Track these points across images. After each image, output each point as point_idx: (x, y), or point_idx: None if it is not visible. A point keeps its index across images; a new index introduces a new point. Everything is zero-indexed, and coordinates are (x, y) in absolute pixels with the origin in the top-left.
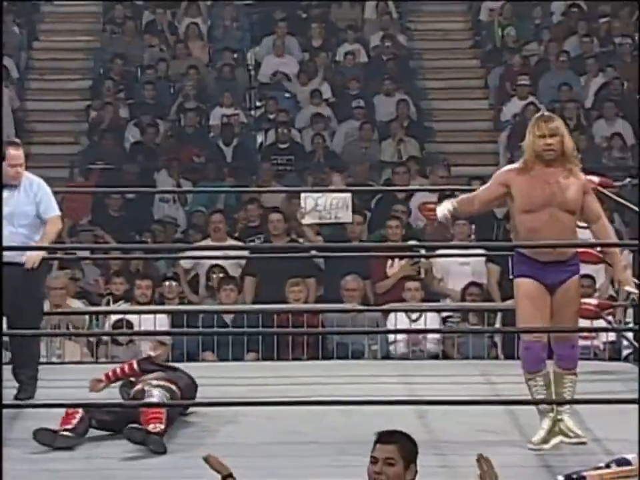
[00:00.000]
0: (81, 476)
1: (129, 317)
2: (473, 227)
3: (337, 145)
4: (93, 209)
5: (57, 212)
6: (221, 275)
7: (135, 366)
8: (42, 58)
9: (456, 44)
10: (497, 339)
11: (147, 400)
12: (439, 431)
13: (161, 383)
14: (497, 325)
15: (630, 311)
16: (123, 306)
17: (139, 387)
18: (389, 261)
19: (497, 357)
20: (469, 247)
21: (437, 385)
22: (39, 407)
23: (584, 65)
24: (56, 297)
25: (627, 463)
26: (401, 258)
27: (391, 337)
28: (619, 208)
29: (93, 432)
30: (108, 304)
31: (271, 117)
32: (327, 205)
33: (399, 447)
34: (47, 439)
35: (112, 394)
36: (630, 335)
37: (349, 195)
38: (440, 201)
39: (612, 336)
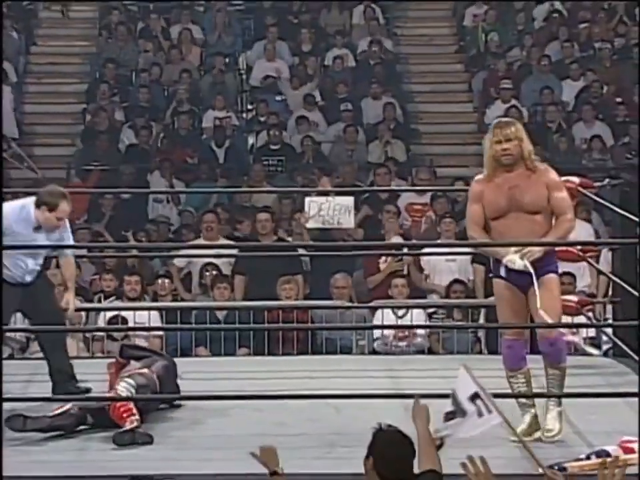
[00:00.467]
0: (73, 467)
1: (122, 313)
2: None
3: (325, 147)
4: (89, 209)
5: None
6: (214, 273)
7: (118, 358)
8: (39, 62)
9: (441, 49)
10: (481, 334)
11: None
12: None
13: (133, 372)
14: (481, 321)
15: (609, 307)
16: (117, 303)
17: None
18: (382, 257)
19: (480, 352)
20: (454, 246)
21: (423, 379)
22: (32, 401)
23: (565, 69)
24: None
25: (607, 454)
26: (390, 255)
27: (378, 333)
28: (598, 208)
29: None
30: (100, 301)
31: (262, 119)
32: (329, 210)
33: None
34: (18, 425)
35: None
36: (609, 330)
37: (351, 200)
38: (431, 201)
39: (592, 331)
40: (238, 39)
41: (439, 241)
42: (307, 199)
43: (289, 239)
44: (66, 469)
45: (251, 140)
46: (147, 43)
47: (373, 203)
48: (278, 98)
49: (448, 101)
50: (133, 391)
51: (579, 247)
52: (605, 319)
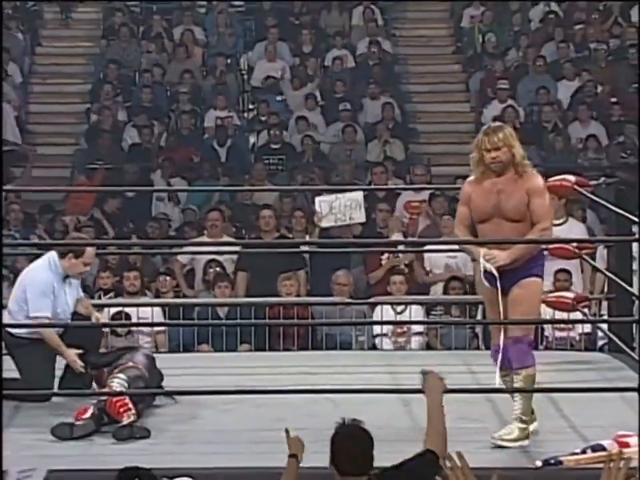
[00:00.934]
0: (77, 461)
1: (125, 309)
2: None
3: (325, 146)
4: (94, 207)
5: None
6: (217, 270)
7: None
8: (44, 63)
9: (438, 50)
10: (478, 330)
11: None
12: (422, 419)
13: (122, 367)
14: (479, 317)
15: (605, 304)
16: (117, 299)
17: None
18: (384, 254)
19: (478, 348)
20: (450, 243)
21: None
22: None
23: (560, 69)
24: None
25: (602, 448)
26: (391, 253)
27: (377, 330)
28: (594, 206)
29: None
30: (99, 298)
31: (263, 119)
32: (341, 207)
33: None
34: (65, 432)
35: None
36: (604, 326)
37: (361, 195)
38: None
39: (587, 327)
40: (239, 40)
41: (432, 239)
42: (317, 199)
43: (289, 235)
44: (70, 464)
45: (252, 139)
46: (150, 44)
47: (371, 201)
48: (278, 98)
49: (446, 101)
50: (126, 385)
51: (574, 245)
52: (601, 315)
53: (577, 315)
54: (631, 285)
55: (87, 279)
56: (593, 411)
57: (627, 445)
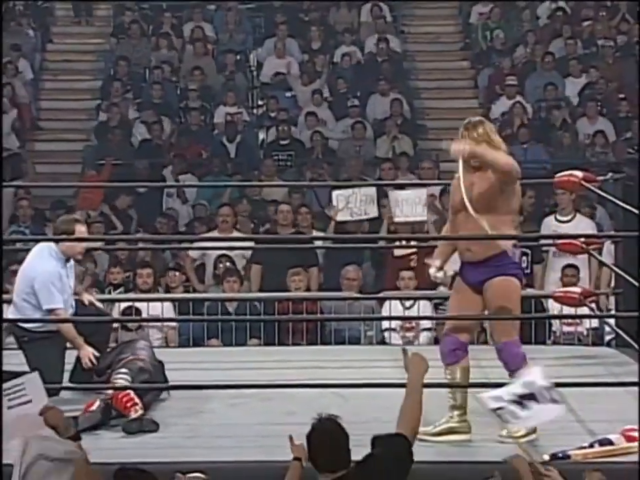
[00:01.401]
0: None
1: (136, 304)
2: None
3: (334, 142)
4: (104, 202)
5: None
6: (228, 264)
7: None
8: (55, 59)
9: (447, 46)
10: (486, 325)
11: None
12: (430, 412)
13: (125, 361)
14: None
15: (612, 299)
16: (128, 294)
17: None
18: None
19: (485, 342)
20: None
21: (429, 368)
22: None
23: (568, 66)
24: None
25: (609, 442)
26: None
27: (386, 324)
28: (603, 202)
29: None
30: (110, 293)
31: (272, 115)
32: (357, 202)
33: None
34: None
35: None
36: (612, 321)
37: (374, 190)
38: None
39: (595, 322)
40: (249, 37)
41: (435, 235)
42: (334, 193)
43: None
44: None
45: (261, 135)
46: (160, 41)
47: (380, 197)
48: (288, 94)
49: (454, 97)
50: (130, 378)
51: (582, 240)
52: (608, 310)
53: (585, 310)
54: (638, 280)
55: (98, 274)
56: (600, 405)
57: (635, 439)
